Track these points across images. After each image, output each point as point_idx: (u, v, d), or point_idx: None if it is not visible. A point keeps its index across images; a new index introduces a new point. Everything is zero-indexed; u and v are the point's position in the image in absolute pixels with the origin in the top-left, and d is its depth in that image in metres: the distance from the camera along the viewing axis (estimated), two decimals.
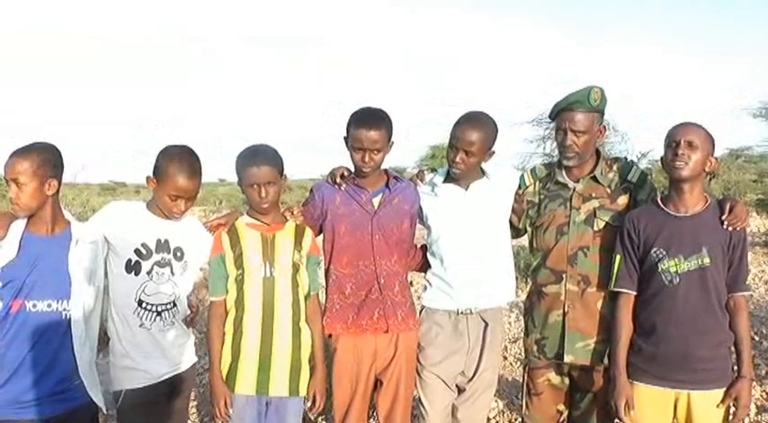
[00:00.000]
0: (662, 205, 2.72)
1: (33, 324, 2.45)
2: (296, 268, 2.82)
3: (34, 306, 2.45)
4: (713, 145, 2.67)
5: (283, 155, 2.84)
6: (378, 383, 3.00)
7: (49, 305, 2.47)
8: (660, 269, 2.65)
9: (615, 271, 2.79)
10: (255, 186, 2.74)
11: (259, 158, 2.75)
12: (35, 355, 2.45)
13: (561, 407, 3.09)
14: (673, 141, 2.64)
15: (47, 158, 2.51)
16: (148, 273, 2.70)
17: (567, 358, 2.92)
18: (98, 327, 2.69)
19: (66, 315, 2.50)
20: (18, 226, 2.49)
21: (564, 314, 2.93)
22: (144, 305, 2.70)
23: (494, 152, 2.99)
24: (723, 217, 2.62)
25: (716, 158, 2.69)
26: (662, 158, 2.71)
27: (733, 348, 2.67)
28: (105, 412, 2.61)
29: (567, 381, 3.04)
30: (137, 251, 2.69)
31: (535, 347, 3.04)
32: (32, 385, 2.45)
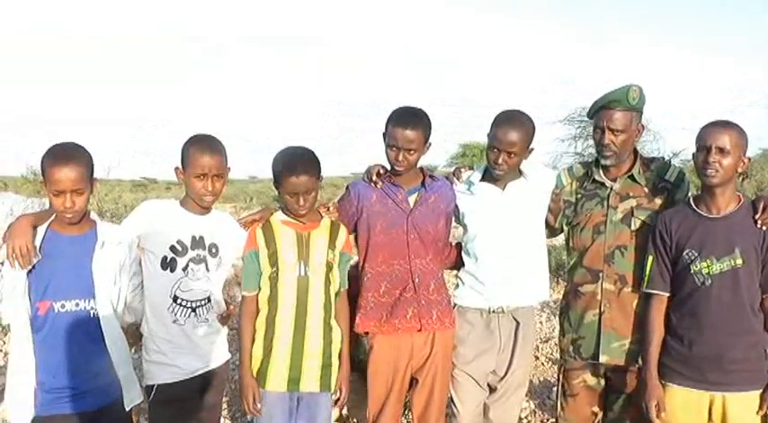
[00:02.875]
0: (694, 206, 2.69)
1: (64, 324, 2.47)
2: (329, 267, 2.82)
3: (62, 306, 2.46)
4: (746, 144, 2.63)
5: None
6: (413, 382, 3.01)
7: (77, 304, 2.49)
8: (692, 271, 2.63)
9: (647, 272, 2.77)
10: (294, 195, 2.73)
11: (299, 168, 2.71)
12: (68, 354, 2.47)
13: (596, 408, 3.07)
14: (703, 146, 2.60)
15: (91, 160, 2.53)
16: (184, 269, 2.72)
17: (603, 358, 2.91)
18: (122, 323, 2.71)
19: (93, 313, 2.51)
20: (41, 227, 2.49)
21: (600, 314, 2.91)
22: (179, 301, 2.71)
23: (533, 149, 2.97)
24: (757, 216, 2.59)
25: (749, 158, 2.65)
26: (694, 156, 2.68)
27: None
28: (127, 409, 2.63)
29: (602, 382, 3.02)
30: (172, 248, 2.70)
31: (571, 348, 3.03)
32: (69, 382, 2.47)
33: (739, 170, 2.62)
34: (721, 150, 2.56)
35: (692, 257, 2.63)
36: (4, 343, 5.30)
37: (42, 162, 2.46)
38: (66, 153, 2.46)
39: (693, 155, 2.68)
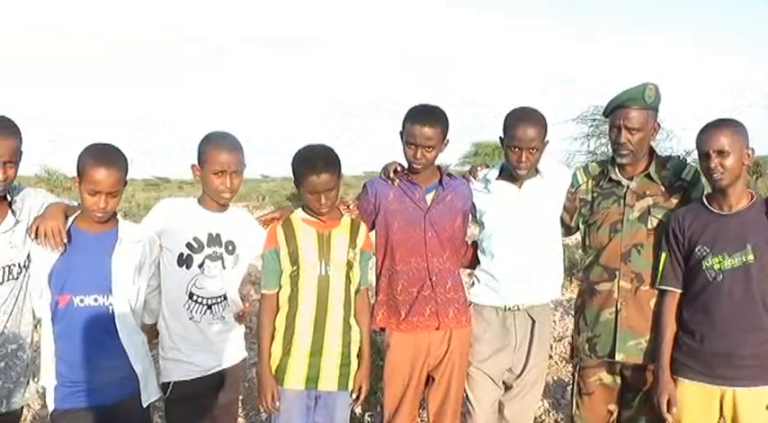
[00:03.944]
0: (707, 203, 2.71)
1: (82, 318, 2.51)
2: (350, 265, 2.83)
3: (81, 301, 2.51)
4: (745, 137, 2.64)
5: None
6: (429, 379, 3.02)
7: (96, 300, 2.53)
8: (704, 266, 2.64)
9: (660, 269, 2.79)
10: (315, 194, 2.73)
11: (319, 166, 2.71)
12: (85, 348, 2.51)
13: (612, 406, 3.06)
14: (702, 152, 2.62)
15: (127, 164, 2.59)
16: (200, 266, 2.73)
17: (619, 357, 2.90)
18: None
19: (111, 309, 2.56)
20: (69, 218, 2.56)
21: (616, 312, 2.91)
22: (195, 298, 2.73)
23: (548, 141, 3.00)
24: None
25: (753, 149, 2.66)
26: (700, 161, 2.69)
27: None
28: (143, 406, 2.66)
29: (618, 380, 3.01)
30: (188, 245, 2.73)
31: (586, 346, 3.02)
32: (85, 376, 2.52)
33: (746, 163, 2.63)
34: (720, 152, 2.58)
35: (704, 253, 2.65)
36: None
37: (81, 160, 2.51)
38: (107, 156, 2.52)
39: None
